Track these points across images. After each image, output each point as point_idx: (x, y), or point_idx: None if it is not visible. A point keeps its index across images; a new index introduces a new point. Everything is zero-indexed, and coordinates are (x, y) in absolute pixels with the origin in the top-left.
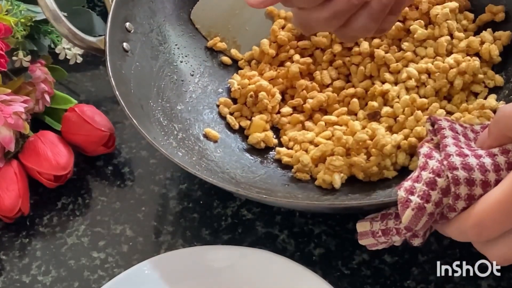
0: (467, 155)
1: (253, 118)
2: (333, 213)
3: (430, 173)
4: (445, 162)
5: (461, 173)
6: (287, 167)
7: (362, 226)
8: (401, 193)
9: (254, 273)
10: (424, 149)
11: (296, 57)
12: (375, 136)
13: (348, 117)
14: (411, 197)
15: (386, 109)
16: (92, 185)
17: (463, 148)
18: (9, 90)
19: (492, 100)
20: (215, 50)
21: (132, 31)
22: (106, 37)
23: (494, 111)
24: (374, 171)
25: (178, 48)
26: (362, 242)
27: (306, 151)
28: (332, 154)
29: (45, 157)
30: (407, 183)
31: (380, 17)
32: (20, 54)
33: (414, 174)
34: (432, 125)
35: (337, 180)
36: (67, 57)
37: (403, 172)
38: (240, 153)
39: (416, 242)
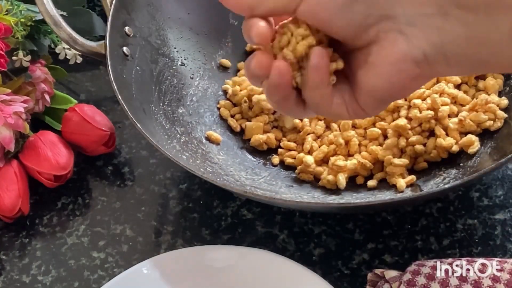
0: None
1: (246, 123)
2: (336, 213)
3: None
4: None
5: None
6: (290, 168)
7: None
8: None
9: (254, 273)
10: None
11: None
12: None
13: (349, 122)
14: None
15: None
16: (92, 185)
17: None
18: (9, 90)
19: (494, 96)
20: (213, 53)
21: (131, 35)
22: (106, 42)
23: (498, 105)
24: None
25: (177, 52)
26: None
27: (309, 152)
28: (335, 153)
29: (45, 157)
30: None
31: (271, 91)
32: (20, 54)
33: None
34: None
35: (341, 180)
36: (67, 57)
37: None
38: (242, 155)
39: None
